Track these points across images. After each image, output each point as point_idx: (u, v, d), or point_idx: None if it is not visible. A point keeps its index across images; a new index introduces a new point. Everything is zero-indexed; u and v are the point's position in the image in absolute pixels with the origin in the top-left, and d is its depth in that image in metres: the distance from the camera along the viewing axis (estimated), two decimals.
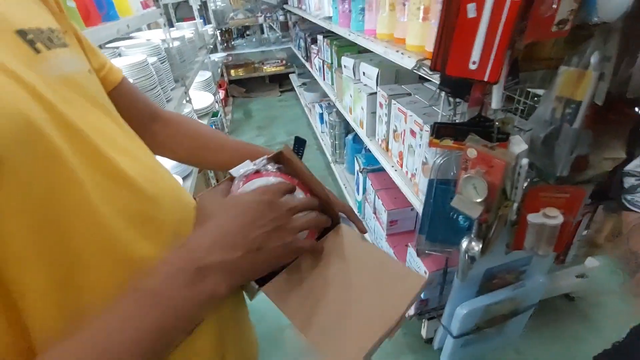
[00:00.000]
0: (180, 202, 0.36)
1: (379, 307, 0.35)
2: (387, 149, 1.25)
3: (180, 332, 0.29)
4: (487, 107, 0.69)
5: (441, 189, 0.75)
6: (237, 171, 0.43)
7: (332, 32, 1.70)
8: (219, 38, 3.88)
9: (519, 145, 0.63)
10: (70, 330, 0.25)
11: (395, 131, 1.15)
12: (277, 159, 0.45)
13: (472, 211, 0.65)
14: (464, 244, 0.76)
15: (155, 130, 0.54)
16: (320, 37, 2.05)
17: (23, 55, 0.27)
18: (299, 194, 0.41)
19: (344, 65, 1.56)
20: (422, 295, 1.14)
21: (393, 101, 1.11)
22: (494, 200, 0.64)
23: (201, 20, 2.85)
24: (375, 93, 1.28)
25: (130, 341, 0.25)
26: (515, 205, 0.74)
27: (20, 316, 0.24)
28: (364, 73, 1.39)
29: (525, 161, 0.65)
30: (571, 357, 1.20)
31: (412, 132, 1.00)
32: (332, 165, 2.29)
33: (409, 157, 1.06)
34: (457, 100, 0.69)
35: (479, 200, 0.64)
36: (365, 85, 1.40)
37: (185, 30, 2.19)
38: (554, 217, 0.72)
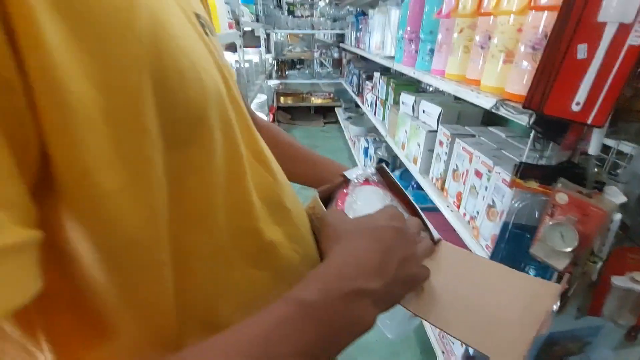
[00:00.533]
0: (295, 195, 0.37)
1: (520, 312, 0.33)
2: (442, 189, 1.21)
3: (328, 357, 0.26)
4: (577, 154, 0.66)
5: (516, 235, 0.71)
6: (350, 174, 0.45)
7: (388, 71, 1.74)
8: (275, 67, 4.12)
9: (616, 196, 0.58)
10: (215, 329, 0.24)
11: (455, 170, 1.12)
12: (378, 172, 0.47)
13: (557, 262, 0.60)
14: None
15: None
16: (377, 75, 2.12)
17: (202, 36, 0.29)
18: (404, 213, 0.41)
19: (403, 102, 1.58)
20: (470, 351, 1.04)
21: (457, 140, 1.09)
22: (584, 252, 0.59)
23: (264, 49, 3.06)
24: (436, 131, 1.27)
25: (289, 354, 0.23)
26: (599, 264, 0.67)
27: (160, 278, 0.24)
28: (423, 111, 1.40)
29: (618, 215, 0.60)
30: None
31: (478, 173, 0.97)
32: None
33: (470, 198, 1.02)
34: (547, 143, 0.66)
35: (567, 250, 0.59)
36: (424, 122, 1.40)
37: (252, 55, 2.35)
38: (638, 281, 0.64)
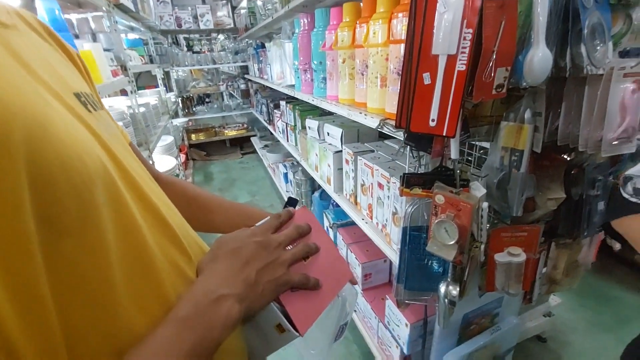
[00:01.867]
0: (200, 248, 0.42)
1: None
2: (356, 203, 1.30)
3: (209, 351, 0.32)
4: (446, 158, 0.77)
5: (414, 236, 0.79)
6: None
7: (294, 98, 1.84)
8: (180, 105, 3.97)
9: (479, 189, 0.70)
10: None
11: (362, 185, 1.21)
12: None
13: (447, 254, 0.69)
14: (442, 288, 0.78)
15: None
16: (282, 103, 2.20)
17: (84, 113, 0.31)
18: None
19: (309, 127, 1.66)
20: (405, 352, 1.10)
21: (359, 157, 1.19)
22: (466, 241, 0.69)
23: (164, 88, 2.93)
24: (341, 151, 1.36)
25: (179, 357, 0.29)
26: (483, 246, 0.79)
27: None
28: (328, 133, 1.49)
29: (485, 204, 0.72)
30: None
31: (380, 185, 1.07)
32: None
33: (378, 208, 1.11)
34: (421, 153, 0.77)
35: (452, 242, 0.68)
36: (330, 144, 1.49)
37: (149, 97, 2.23)
38: (518, 254, 0.77)
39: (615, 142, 0.69)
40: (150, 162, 1.58)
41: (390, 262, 1.36)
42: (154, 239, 0.33)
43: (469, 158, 0.93)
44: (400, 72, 0.85)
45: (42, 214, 0.23)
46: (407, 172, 0.78)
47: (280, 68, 2.12)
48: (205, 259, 0.39)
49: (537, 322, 1.32)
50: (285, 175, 2.58)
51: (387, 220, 1.06)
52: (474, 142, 0.85)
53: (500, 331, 1.02)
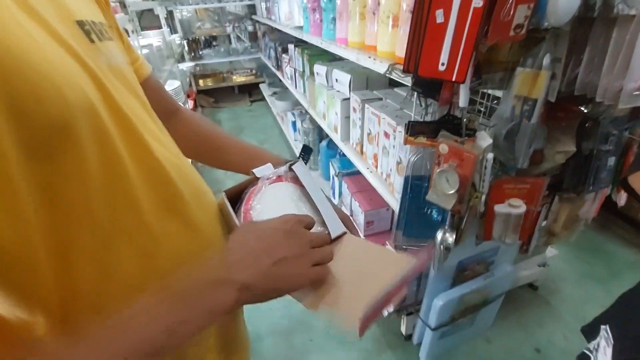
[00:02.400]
0: (197, 186, 0.42)
1: (373, 278, 0.38)
2: (362, 152, 1.29)
3: (190, 333, 0.30)
4: (455, 107, 0.75)
5: (416, 185, 0.80)
6: (260, 172, 0.47)
7: (303, 41, 1.74)
8: (186, 48, 3.82)
9: (485, 139, 0.68)
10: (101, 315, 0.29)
11: (369, 134, 1.19)
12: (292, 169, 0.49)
13: (446, 203, 0.70)
14: (439, 235, 0.80)
15: (173, 125, 0.54)
16: (291, 47, 2.09)
17: (82, 44, 0.30)
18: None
19: (317, 73, 1.60)
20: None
21: (366, 105, 1.16)
22: (466, 191, 0.69)
23: (168, 30, 2.80)
24: (349, 98, 1.33)
25: (158, 331, 0.28)
26: (484, 197, 0.80)
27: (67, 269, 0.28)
28: (336, 80, 1.44)
29: (490, 155, 0.71)
30: (535, 342, 1.28)
31: (386, 134, 1.05)
32: None
33: (384, 158, 1.11)
34: (428, 100, 0.74)
35: (452, 192, 0.69)
36: (338, 91, 1.44)
37: (152, 38, 2.14)
38: (518, 206, 0.78)
39: (636, 93, 0.65)
40: None
41: (393, 211, 1.39)
42: (139, 175, 0.32)
43: (480, 108, 0.90)
44: (412, 10, 0.79)
45: (19, 139, 0.23)
46: (412, 120, 0.76)
47: (288, 7, 1.98)
48: (231, 239, 0.36)
49: (531, 271, 1.37)
50: (294, 123, 2.55)
51: (391, 170, 1.06)
52: (485, 91, 0.82)
53: (493, 277, 1.07)
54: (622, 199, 1.03)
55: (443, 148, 0.67)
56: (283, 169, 0.49)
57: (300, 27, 1.73)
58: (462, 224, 0.78)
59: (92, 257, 0.29)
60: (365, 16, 1.07)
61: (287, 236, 0.36)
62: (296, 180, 0.48)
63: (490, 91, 0.87)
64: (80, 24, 0.31)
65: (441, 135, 0.68)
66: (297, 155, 0.54)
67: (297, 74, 2.11)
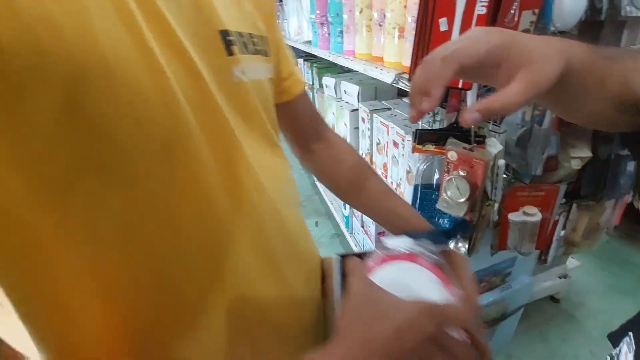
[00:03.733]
0: (295, 244, 0.37)
1: None
2: (372, 162, 1.29)
3: None
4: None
5: (425, 194, 0.79)
6: (392, 243, 0.35)
7: (313, 55, 1.77)
8: None
9: (495, 146, 0.67)
10: None
11: (378, 144, 1.19)
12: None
13: (457, 211, 0.68)
14: (451, 245, 0.78)
15: (316, 149, 0.51)
16: (300, 61, 2.13)
17: (214, 55, 0.29)
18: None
19: (325, 85, 1.62)
20: None
21: (375, 115, 1.16)
22: (477, 199, 0.68)
23: None
24: (357, 109, 1.33)
25: None
26: (497, 205, 0.78)
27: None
28: (345, 91, 1.45)
29: (502, 161, 0.69)
30: (560, 357, 1.21)
31: (395, 144, 1.05)
32: (317, 183, 2.32)
33: (393, 167, 1.10)
34: (436, 108, 0.73)
35: (462, 200, 0.67)
36: (347, 102, 1.45)
37: None
38: (533, 214, 0.76)
39: None
40: None
41: None
42: (229, 217, 0.29)
43: None
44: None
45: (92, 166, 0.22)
46: (420, 128, 0.76)
47: (297, 23, 2.03)
48: (349, 305, 0.28)
49: (552, 282, 1.32)
50: None
51: (401, 179, 1.05)
52: None
53: (511, 289, 1.03)
54: None
55: (452, 155, 0.67)
56: (426, 248, 0.36)
57: (309, 42, 1.76)
58: (474, 232, 0.76)
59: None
60: (371, 28, 1.08)
61: (424, 339, 0.25)
62: (436, 268, 0.35)
63: None
64: (224, 34, 0.30)
65: (449, 142, 0.68)
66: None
67: (306, 88, 2.15)
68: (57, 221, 0.22)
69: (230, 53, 0.30)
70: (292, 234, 0.37)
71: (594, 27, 0.62)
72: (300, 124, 0.45)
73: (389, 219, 0.48)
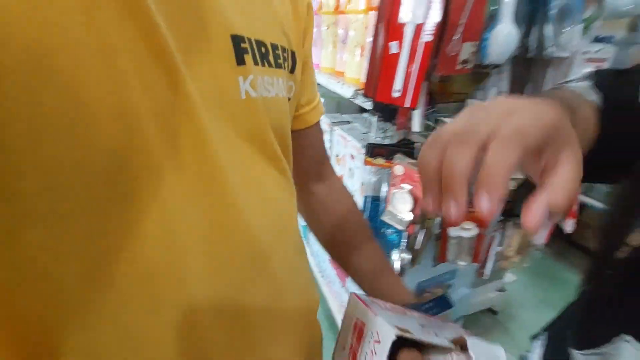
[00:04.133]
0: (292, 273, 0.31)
1: None
2: None
3: None
4: (411, 132, 0.79)
5: (373, 205, 0.82)
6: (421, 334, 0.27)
7: None
8: None
9: None
10: None
11: (337, 156, 1.22)
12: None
13: (400, 224, 0.72)
14: (395, 255, 0.82)
15: (315, 192, 0.45)
16: None
17: (220, 61, 0.24)
18: None
19: None
20: None
21: (334, 128, 1.20)
22: (420, 212, 0.72)
23: None
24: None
25: None
26: (439, 219, 0.83)
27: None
28: None
29: None
30: None
31: (352, 156, 1.08)
32: None
33: (349, 179, 1.13)
34: (387, 124, 0.78)
35: (406, 213, 0.71)
36: None
37: None
38: (469, 229, 0.81)
39: None
40: None
41: None
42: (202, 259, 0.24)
43: None
44: None
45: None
46: (372, 142, 0.80)
47: None
48: None
49: (490, 295, 1.41)
50: None
51: (356, 191, 1.09)
52: (442, 118, 0.87)
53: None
54: (568, 225, 1.09)
55: (398, 170, 0.70)
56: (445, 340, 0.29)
57: None
58: (417, 244, 0.81)
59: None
60: (336, 45, 1.12)
61: None
62: None
63: (446, 118, 0.93)
64: (238, 39, 0.25)
65: (397, 157, 0.72)
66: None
67: None
68: None
69: (240, 62, 0.25)
70: (279, 285, 0.29)
71: (525, 62, 0.69)
72: (304, 158, 0.39)
73: (373, 287, 0.42)
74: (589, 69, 0.65)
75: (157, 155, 0.21)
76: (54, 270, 0.19)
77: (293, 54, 0.32)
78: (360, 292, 0.38)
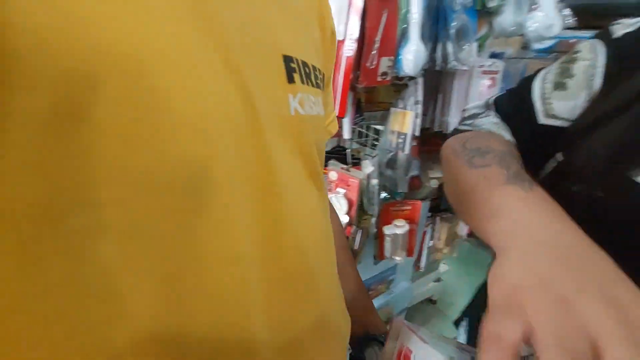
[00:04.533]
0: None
1: None
2: None
3: None
4: (342, 140, 0.84)
5: None
6: None
7: None
8: None
9: (368, 167, 0.78)
10: None
11: None
12: None
13: None
14: None
15: None
16: None
17: (275, 78, 0.25)
18: None
19: None
20: None
21: None
22: (355, 213, 0.77)
23: None
24: None
25: None
26: (374, 219, 0.89)
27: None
28: None
29: (375, 181, 0.81)
30: None
31: None
32: None
33: None
34: None
35: (343, 214, 0.75)
36: None
37: None
38: (402, 226, 0.89)
39: None
40: None
41: None
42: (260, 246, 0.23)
43: (368, 140, 1.02)
44: None
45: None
46: None
47: None
48: None
49: (428, 286, 1.53)
50: None
51: None
52: (372, 125, 0.94)
53: (393, 295, 1.17)
54: None
55: (332, 175, 0.75)
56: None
57: None
58: (355, 244, 0.85)
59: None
60: None
61: None
62: None
63: (374, 125, 1.00)
64: (288, 59, 0.26)
65: (331, 163, 0.76)
66: None
67: None
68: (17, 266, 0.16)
69: (290, 80, 0.26)
70: (326, 305, 0.29)
71: (434, 74, 0.79)
72: None
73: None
74: (485, 79, 0.77)
75: (230, 167, 0.21)
76: (124, 287, 0.17)
77: (324, 75, 0.34)
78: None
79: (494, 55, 0.90)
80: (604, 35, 0.36)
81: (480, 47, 0.82)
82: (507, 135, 0.39)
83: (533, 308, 0.17)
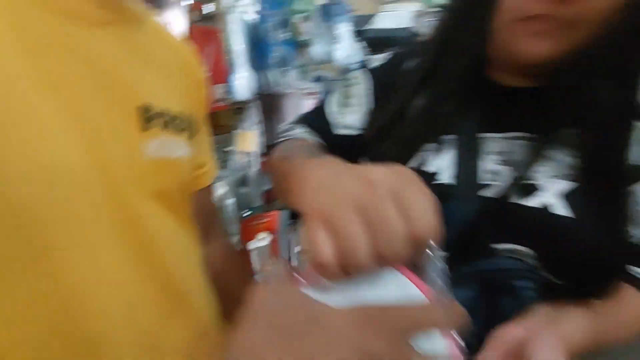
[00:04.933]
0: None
1: None
2: None
3: None
4: None
5: None
6: None
7: None
8: None
9: (219, 189, 0.80)
10: None
11: None
12: None
13: None
14: None
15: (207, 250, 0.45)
16: None
17: (127, 126, 0.27)
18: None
19: None
20: None
21: None
22: None
23: None
24: None
25: None
26: (236, 237, 0.92)
27: None
28: None
29: (230, 200, 0.84)
30: None
31: None
32: None
33: None
34: None
35: None
36: None
37: None
38: (263, 238, 0.94)
39: None
40: None
41: None
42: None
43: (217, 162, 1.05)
44: None
45: None
46: None
47: None
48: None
49: None
50: None
51: None
52: (219, 148, 0.97)
53: None
54: None
55: None
56: None
57: None
58: None
59: None
60: None
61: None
62: None
63: (225, 148, 1.04)
64: (142, 109, 0.29)
65: None
66: None
67: None
68: None
69: (145, 129, 0.29)
70: (195, 318, 0.34)
71: (267, 97, 0.88)
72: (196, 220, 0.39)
73: None
74: (310, 100, 0.91)
75: (75, 210, 0.23)
76: None
77: (192, 118, 0.36)
78: None
79: (317, 79, 1.07)
80: (365, 66, 0.50)
81: (305, 72, 0.97)
82: (315, 139, 0.48)
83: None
